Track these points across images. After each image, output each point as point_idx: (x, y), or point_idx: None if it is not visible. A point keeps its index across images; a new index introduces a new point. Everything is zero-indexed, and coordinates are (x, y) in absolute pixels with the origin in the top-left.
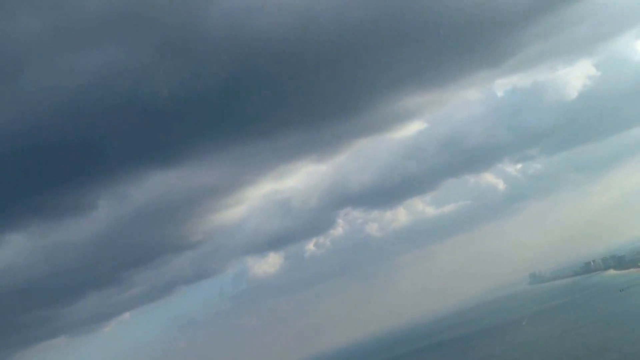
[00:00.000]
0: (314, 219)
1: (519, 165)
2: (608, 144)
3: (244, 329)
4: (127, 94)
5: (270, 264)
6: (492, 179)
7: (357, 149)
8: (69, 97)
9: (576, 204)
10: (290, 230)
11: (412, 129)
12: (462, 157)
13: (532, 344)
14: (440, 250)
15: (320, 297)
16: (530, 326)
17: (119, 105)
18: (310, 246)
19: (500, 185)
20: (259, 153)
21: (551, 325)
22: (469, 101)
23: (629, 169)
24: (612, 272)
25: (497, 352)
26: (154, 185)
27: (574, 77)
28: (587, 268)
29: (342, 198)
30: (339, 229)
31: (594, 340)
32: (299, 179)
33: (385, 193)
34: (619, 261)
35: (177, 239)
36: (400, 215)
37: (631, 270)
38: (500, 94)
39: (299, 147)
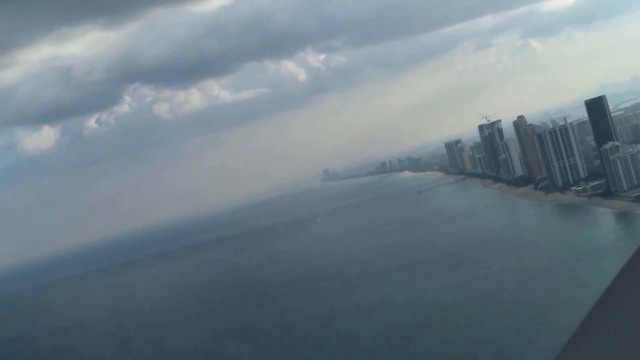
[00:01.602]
0: (98, 92)
1: (322, 56)
2: (412, 43)
3: (4, 210)
4: None
5: (44, 138)
6: (293, 68)
7: (151, 19)
8: None
9: (375, 102)
10: (70, 102)
11: (215, 3)
12: (264, 41)
13: (324, 242)
14: (233, 138)
15: (96, 179)
16: (325, 223)
17: None
18: (91, 122)
19: (302, 75)
20: (35, 10)
21: (347, 223)
22: None
23: (430, 70)
24: (407, 173)
25: (291, 248)
26: None
27: None
28: (383, 168)
29: (131, 72)
30: (125, 106)
31: (394, 239)
32: (83, 46)
33: (179, 71)
34: (415, 163)
35: None
36: (194, 97)
37: (427, 172)
38: None
39: (85, 8)
